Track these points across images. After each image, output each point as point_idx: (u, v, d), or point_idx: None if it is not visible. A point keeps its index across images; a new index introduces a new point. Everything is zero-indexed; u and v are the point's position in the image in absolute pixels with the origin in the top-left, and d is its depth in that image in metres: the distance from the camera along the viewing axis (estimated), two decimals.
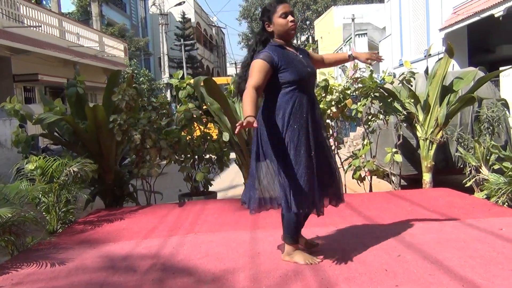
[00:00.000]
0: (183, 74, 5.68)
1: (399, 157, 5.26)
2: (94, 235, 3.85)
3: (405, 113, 5.46)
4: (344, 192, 2.76)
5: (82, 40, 16.66)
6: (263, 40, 2.82)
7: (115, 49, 19.60)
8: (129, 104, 4.91)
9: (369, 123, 5.65)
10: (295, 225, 2.79)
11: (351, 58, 3.18)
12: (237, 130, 2.32)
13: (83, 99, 5.38)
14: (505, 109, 5.60)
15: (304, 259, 2.77)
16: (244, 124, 2.32)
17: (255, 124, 2.35)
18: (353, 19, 23.69)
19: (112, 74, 5.52)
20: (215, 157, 5.45)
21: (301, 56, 2.83)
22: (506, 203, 4.12)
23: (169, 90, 20.81)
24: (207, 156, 5.45)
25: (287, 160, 2.62)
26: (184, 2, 29.30)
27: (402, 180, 6.28)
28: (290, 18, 2.73)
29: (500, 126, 5.48)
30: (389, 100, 5.45)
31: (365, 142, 5.61)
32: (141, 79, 21.16)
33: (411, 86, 5.61)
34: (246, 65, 2.79)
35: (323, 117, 4.11)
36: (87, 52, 16.51)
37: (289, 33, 2.78)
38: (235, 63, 56.30)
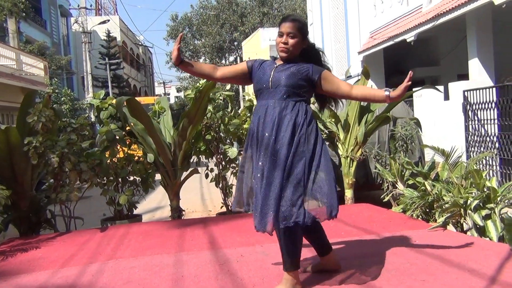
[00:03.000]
0: (105, 94, 5.51)
1: None
2: (5, 267, 3.58)
3: (327, 132, 5.66)
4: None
5: None
6: None
7: (34, 67, 18.62)
8: (45, 125, 4.67)
9: None
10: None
11: (388, 99, 2.57)
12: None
13: None
14: (418, 127, 5.98)
15: None
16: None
17: (174, 53, 2.65)
18: None
19: (26, 95, 5.23)
20: (140, 179, 5.32)
21: (290, 67, 2.62)
22: (420, 216, 4.38)
23: (92, 110, 20.15)
24: (131, 178, 5.31)
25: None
26: (108, 20, 28.65)
27: None
28: (282, 39, 2.58)
29: (413, 143, 5.84)
30: None
31: None
32: (62, 99, 20.24)
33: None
34: None
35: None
36: (3, 71, 15.54)
37: (278, 52, 2.67)
38: (164, 83, 55.61)
